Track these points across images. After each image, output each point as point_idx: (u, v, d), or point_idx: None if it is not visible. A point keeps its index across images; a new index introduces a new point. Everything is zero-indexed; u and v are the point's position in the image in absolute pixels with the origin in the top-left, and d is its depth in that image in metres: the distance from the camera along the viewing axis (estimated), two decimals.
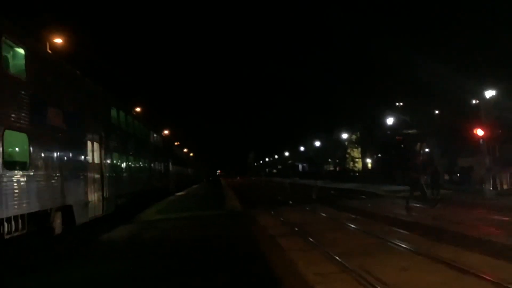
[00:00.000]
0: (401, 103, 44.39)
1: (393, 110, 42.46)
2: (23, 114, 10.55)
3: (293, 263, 9.57)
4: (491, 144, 27.41)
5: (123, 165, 21.57)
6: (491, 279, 7.57)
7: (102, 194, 16.42)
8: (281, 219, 18.21)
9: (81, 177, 14.52)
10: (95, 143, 16.10)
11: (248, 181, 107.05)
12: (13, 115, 10.10)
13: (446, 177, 40.23)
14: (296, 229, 14.76)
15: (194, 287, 8.07)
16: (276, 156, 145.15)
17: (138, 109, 42.52)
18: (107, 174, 17.38)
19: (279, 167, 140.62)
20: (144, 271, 9.16)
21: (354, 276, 8.21)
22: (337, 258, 9.71)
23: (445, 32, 32.91)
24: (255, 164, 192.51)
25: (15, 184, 10.00)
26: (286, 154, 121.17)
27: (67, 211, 12.99)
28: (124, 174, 21.48)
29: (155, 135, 34.96)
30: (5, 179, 9.48)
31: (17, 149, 10.77)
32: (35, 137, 10.97)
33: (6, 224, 9.44)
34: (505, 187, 28.76)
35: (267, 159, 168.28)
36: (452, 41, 31.93)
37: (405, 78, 35.81)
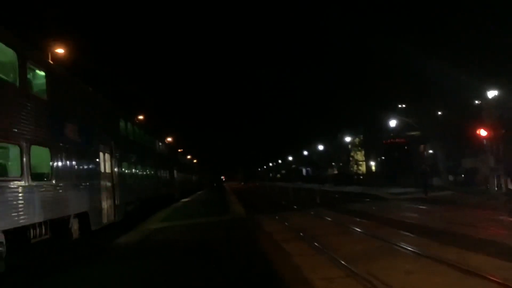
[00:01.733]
0: (404, 105, 44.36)
1: (396, 113, 42.45)
2: (45, 130, 11.65)
3: (299, 268, 9.57)
4: (495, 144, 27.38)
5: (131, 173, 22.48)
6: (497, 280, 7.55)
7: (114, 202, 17.25)
8: (286, 224, 18.20)
9: (95, 185, 15.37)
10: (106, 154, 17.01)
11: (252, 186, 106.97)
12: (37, 132, 11.18)
13: (451, 178, 40.18)
14: (301, 234, 14.75)
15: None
16: (279, 161, 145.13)
17: (141, 117, 42.74)
18: (117, 183, 18.18)
19: (283, 171, 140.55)
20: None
21: (360, 280, 8.20)
22: (342, 262, 9.70)
23: (447, 33, 32.96)
24: (259, 169, 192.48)
25: (40, 193, 10.96)
26: (290, 158, 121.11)
27: (83, 217, 13.84)
28: (132, 182, 22.25)
29: (160, 144, 35.92)
30: (32, 189, 10.49)
31: (41, 162, 11.55)
32: (56, 151, 12.07)
33: (32, 230, 10.46)
34: (509, 187, 28.68)
35: (270, 164, 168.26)
36: (454, 42, 31.96)
37: (408, 80, 35.84)
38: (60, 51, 23.30)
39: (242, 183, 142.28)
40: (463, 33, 30.56)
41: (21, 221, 9.85)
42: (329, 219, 19.65)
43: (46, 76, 12.12)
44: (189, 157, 75.85)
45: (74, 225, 13.27)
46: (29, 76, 11.26)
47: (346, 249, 11.45)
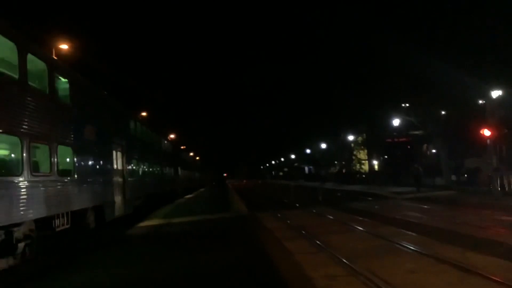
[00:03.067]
0: (407, 104, 44.19)
1: (398, 111, 42.30)
2: (69, 132, 13.11)
3: (300, 266, 9.57)
4: (498, 144, 27.30)
5: (140, 170, 24.15)
6: (499, 279, 7.54)
7: (124, 196, 18.77)
8: (288, 222, 18.22)
9: (109, 181, 16.83)
10: (118, 152, 18.48)
11: (254, 184, 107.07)
12: (63, 133, 12.72)
13: (454, 177, 40.09)
14: (303, 232, 14.76)
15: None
16: (282, 159, 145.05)
17: (144, 113, 42.81)
18: (128, 179, 19.73)
19: (285, 169, 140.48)
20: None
21: (362, 278, 8.20)
22: (344, 260, 9.70)
23: (451, 32, 32.72)
24: (261, 167, 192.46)
25: (65, 187, 12.47)
26: (292, 156, 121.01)
27: (98, 210, 15.19)
28: (140, 179, 23.79)
29: (165, 142, 37.68)
30: (59, 184, 11.99)
31: (65, 159, 12.94)
32: (77, 150, 13.46)
33: (57, 220, 11.83)
34: None
35: (273, 162, 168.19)
36: (459, 41, 31.77)
37: (411, 79, 35.65)
38: (64, 46, 23.39)
39: (245, 181, 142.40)
40: (467, 32, 30.41)
41: (49, 211, 11.18)
42: (331, 217, 19.66)
43: (69, 84, 13.59)
44: (191, 154, 75.96)
45: (91, 217, 14.60)
46: (56, 84, 12.63)
47: (348, 248, 11.45)
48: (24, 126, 10.24)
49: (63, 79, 13.34)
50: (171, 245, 13.39)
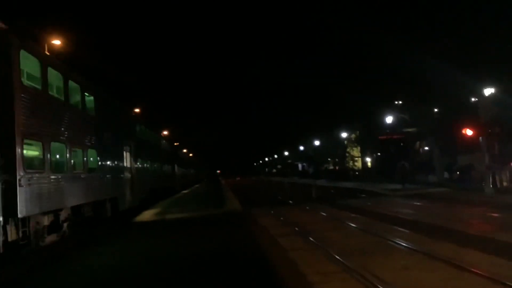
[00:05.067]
0: (400, 102, 44.39)
1: (392, 109, 42.49)
2: (94, 137, 16.24)
3: (294, 263, 9.60)
4: (491, 141, 27.44)
5: (144, 168, 27.14)
6: (491, 276, 7.60)
7: (133, 190, 21.86)
8: (282, 218, 18.23)
9: (121, 177, 20.09)
10: (127, 153, 21.49)
11: (247, 181, 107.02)
12: (91, 139, 15.97)
13: (446, 175, 40.31)
14: (297, 228, 14.78)
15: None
16: (275, 156, 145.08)
17: (137, 110, 42.66)
18: (135, 175, 22.68)
19: (279, 166, 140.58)
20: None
21: (355, 275, 8.23)
22: (337, 257, 9.74)
23: (444, 30, 32.92)
24: (255, 163, 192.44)
25: (92, 182, 15.65)
26: (286, 153, 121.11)
27: (113, 201, 18.33)
28: (145, 175, 26.77)
29: (164, 141, 41.28)
30: (88, 180, 15.19)
31: (92, 159, 15.98)
32: (99, 151, 16.63)
33: (85, 207, 15.00)
34: (504, 184, 28.82)
35: (266, 159, 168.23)
36: (451, 39, 31.96)
37: (404, 76, 35.84)
38: (56, 42, 23.25)
39: (238, 178, 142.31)
40: (460, 30, 30.57)
41: (81, 201, 14.47)
42: (324, 214, 19.69)
43: (94, 99, 16.94)
44: (185, 150, 75.95)
45: (108, 207, 17.70)
46: (85, 100, 15.85)
47: (341, 244, 11.48)
48: (67, 136, 13.56)
49: (90, 96, 16.57)
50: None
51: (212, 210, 22.56)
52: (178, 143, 62.62)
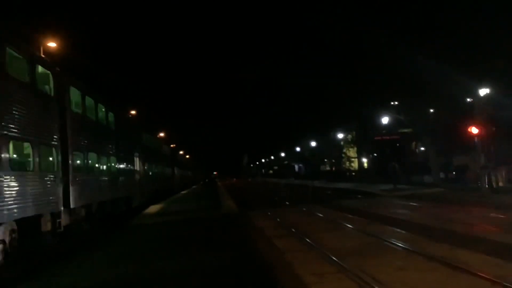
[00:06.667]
0: (396, 102, 44.43)
1: (388, 110, 42.53)
2: (114, 146, 20.43)
3: (290, 264, 9.58)
4: (486, 142, 27.52)
5: (149, 171, 31.17)
6: (487, 276, 7.60)
7: (141, 190, 26.17)
8: (278, 220, 18.19)
9: (132, 179, 24.22)
10: (136, 158, 25.55)
11: (244, 182, 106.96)
12: (111, 148, 20.09)
13: (442, 175, 40.40)
14: (293, 230, 14.76)
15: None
16: (272, 157, 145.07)
17: (133, 112, 42.54)
18: (143, 177, 27.01)
19: (275, 167, 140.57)
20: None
21: (351, 276, 8.22)
22: (333, 258, 9.73)
23: (439, 30, 32.91)
24: (251, 165, 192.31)
25: (113, 183, 19.90)
26: (282, 154, 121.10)
27: (127, 199, 22.76)
28: (150, 178, 31.09)
29: (164, 146, 45.18)
30: (110, 181, 19.38)
31: (113, 165, 20.16)
32: (118, 158, 20.88)
33: (107, 203, 18.63)
34: (500, 184, 28.89)
35: (263, 160, 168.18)
36: (447, 39, 31.95)
37: (400, 77, 35.76)
38: (52, 44, 23.14)
39: (234, 179, 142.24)
40: (455, 30, 30.61)
41: (105, 198, 18.39)
42: (320, 215, 19.68)
43: (114, 116, 21.34)
44: (181, 152, 75.92)
45: (123, 203, 21.89)
46: (109, 117, 20.33)
47: (337, 245, 11.46)
48: (98, 146, 17.71)
49: (111, 113, 20.72)
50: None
51: (209, 212, 22.60)
52: (175, 145, 62.65)
